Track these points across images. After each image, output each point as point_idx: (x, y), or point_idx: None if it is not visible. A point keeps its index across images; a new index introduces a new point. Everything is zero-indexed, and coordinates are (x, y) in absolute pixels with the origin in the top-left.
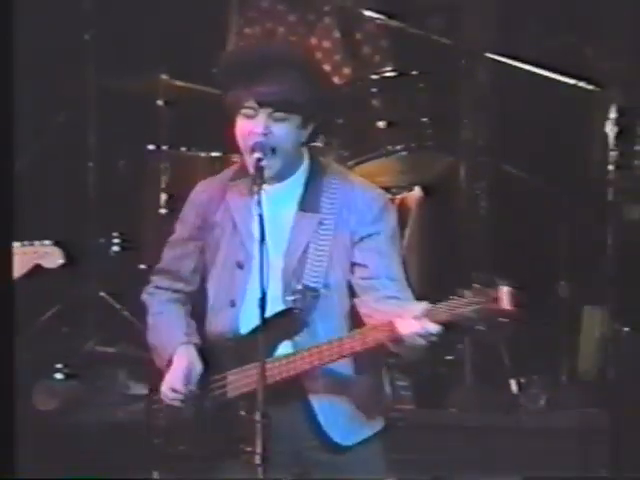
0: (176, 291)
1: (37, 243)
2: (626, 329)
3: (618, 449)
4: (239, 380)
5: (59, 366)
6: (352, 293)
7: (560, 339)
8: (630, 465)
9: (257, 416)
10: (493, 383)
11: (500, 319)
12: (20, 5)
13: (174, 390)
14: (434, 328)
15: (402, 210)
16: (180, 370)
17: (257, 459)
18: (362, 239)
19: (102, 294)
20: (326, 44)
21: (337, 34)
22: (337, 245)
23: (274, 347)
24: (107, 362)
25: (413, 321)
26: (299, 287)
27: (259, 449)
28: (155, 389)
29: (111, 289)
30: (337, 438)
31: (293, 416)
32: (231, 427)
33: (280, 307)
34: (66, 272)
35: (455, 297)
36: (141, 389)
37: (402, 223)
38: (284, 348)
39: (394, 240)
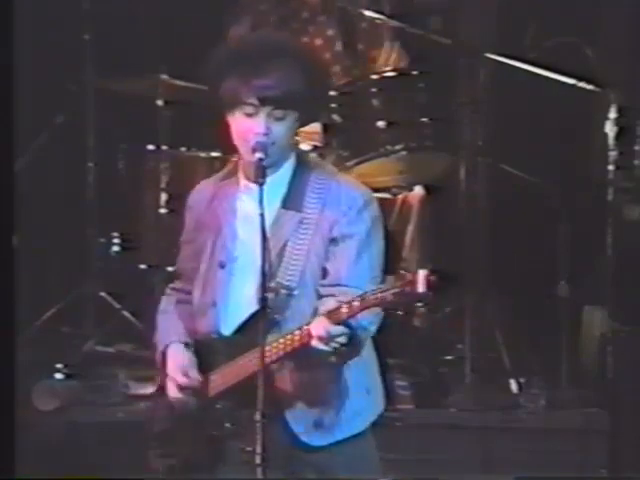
0: (187, 292)
1: None
2: (626, 329)
3: (618, 449)
4: (216, 380)
5: (59, 366)
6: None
7: (560, 339)
8: (630, 465)
9: (257, 416)
10: (493, 383)
11: (416, 303)
12: (20, 5)
13: (187, 378)
14: (334, 330)
15: (404, 209)
16: (183, 362)
17: (257, 459)
18: (334, 240)
19: (102, 294)
20: (321, 44)
21: (332, 32)
22: (316, 243)
23: (249, 347)
24: (107, 362)
25: (317, 324)
26: (272, 285)
27: (259, 449)
28: (160, 390)
29: (111, 289)
30: (305, 438)
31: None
32: (210, 426)
33: (257, 306)
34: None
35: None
36: (141, 389)
37: (404, 222)
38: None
39: (368, 242)
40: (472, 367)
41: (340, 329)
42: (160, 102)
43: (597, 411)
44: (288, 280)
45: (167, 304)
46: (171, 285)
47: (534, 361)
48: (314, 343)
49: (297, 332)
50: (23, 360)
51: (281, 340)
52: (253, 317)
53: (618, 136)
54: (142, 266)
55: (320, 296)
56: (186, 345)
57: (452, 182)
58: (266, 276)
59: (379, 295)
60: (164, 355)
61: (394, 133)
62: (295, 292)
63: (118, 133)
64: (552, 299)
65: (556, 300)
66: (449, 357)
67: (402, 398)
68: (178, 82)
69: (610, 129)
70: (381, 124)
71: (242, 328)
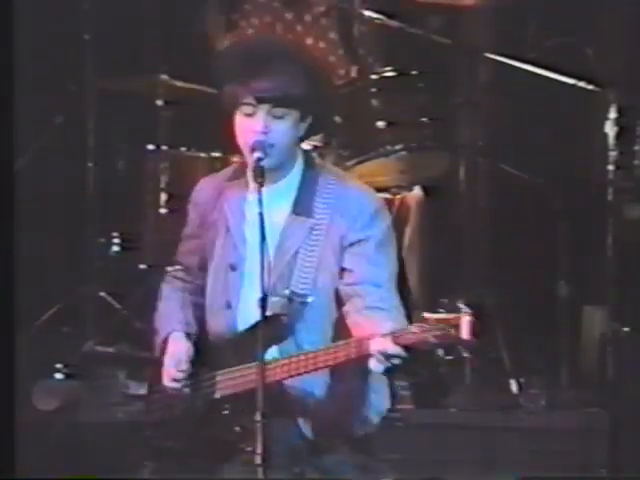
0: (189, 282)
1: None
2: (626, 329)
3: (618, 449)
4: (224, 382)
5: (59, 366)
6: (339, 300)
7: (560, 339)
8: (630, 465)
9: (257, 416)
10: (493, 383)
11: (458, 346)
12: (20, 5)
13: (180, 371)
14: (394, 351)
15: (402, 210)
16: (180, 353)
17: (257, 459)
18: (351, 244)
19: (102, 294)
20: (322, 44)
21: (334, 34)
22: (326, 250)
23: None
24: (107, 362)
25: (379, 340)
26: (286, 293)
27: (259, 449)
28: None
29: (111, 289)
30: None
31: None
32: (216, 427)
33: (269, 309)
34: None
35: (419, 322)
36: (141, 389)
37: (402, 223)
38: (270, 354)
39: (385, 246)
40: (472, 367)
41: (399, 350)
42: (160, 102)
43: (597, 411)
44: (302, 288)
45: (169, 291)
46: (172, 272)
47: (534, 361)
48: (373, 359)
49: (351, 344)
50: (23, 360)
51: (330, 350)
52: (266, 321)
53: (618, 136)
54: (142, 266)
55: (341, 296)
56: (187, 335)
57: (452, 182)
58: (264, 277)
59: (420, 336)
60: (165, 343)
61: (394, 133)
62: (309, 299)
63: (118, 133)
64: (552, 299)
65: (556, 300)
66: (449, 357)
67: (402, 398)
68: (178, 82)
69: (610, 129)
70: (381, 124)
71: (253, 332)
